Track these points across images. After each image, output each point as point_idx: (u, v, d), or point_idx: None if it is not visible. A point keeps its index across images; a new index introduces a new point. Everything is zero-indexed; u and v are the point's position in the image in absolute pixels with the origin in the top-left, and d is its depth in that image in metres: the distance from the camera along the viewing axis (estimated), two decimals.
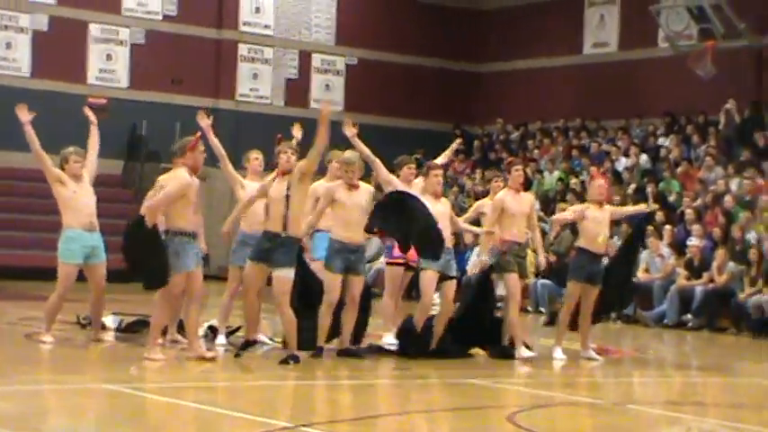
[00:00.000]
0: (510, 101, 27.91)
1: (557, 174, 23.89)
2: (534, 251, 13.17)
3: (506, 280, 12.31)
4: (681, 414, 9.67)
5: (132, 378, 10.10)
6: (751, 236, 18.54)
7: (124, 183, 24.87)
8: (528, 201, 12.63)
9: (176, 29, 25.79)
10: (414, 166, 12.50)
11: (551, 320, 15.82)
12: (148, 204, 10.88)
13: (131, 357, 11.03)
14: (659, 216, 18.93)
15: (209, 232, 12.49)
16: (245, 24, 26.61)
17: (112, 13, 25.24)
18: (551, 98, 27.05)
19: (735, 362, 14.79)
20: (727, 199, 19.77)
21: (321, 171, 12.29)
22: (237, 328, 12.51)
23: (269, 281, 11.12)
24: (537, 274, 19.02)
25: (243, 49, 26.58)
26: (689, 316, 18.07)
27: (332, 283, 11.32)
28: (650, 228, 18.86)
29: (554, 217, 15.47)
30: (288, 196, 10.86)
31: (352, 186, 11.41)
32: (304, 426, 7.96)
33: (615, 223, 16.71)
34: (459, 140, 14.85)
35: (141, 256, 10.59)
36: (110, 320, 12.94)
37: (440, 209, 11.78)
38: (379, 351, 11.99)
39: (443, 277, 11.78)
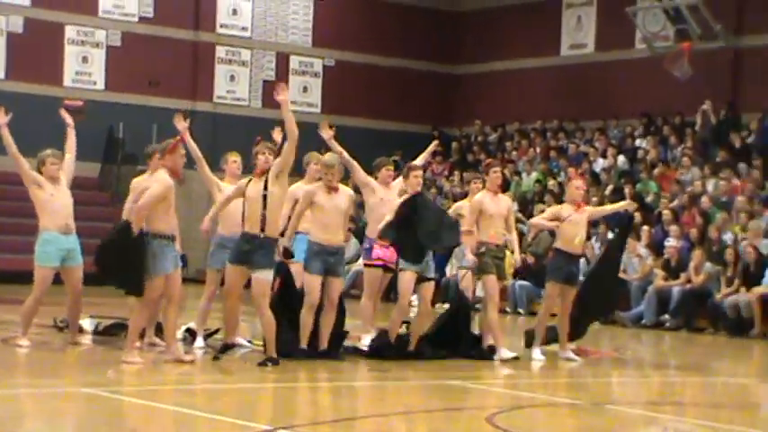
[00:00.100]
0: (488, 102, 27.94)
1: (534, 175, 23.93)
2: (512, 252, 13.20)
3: (485, 281, 12.33)
4: (660, 414, 9.69)
5: (110, 381, 10.06)
6: (728, 236, 18.64)
7: (101, 185, 24.76)
8: (506, 202, 12.66)
9: (153, 31, 25.68)
10: (392, 167, 12.53)
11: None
12: (137, 207, 10.74)
13: (109, 360, 10.98)
14: (637, 217, 18.99)
15: (186, 235, 12.44)
16: (222, 26, 26.54)
17: (88, 15, 25.13)
18: (529, 99, 27.10)
19: (712, 361, 14.86)
20: (704, 200, 19.86)
21: (300, 173, 12.28)
22: (216, 331, 12.47)
23: (247, 283, 11.09)
24: (515, 275, 19.04)
25: (220, 51, 26.52)
26: (666, 316, 18.14)
27: (311, 284, 11.31)
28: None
29: (532, 221, 15.48)
30: (265, 196, 10.83)
31: (332, 189, 11.39)
32: (283, 428, 7.95)
33: (592, 224, 16.74)
34: (436, 142, 14.84)
35: (121, 262, 10.52)
36: (87, 323, 12.88)
37: None
38: (356, 352, 11.96)
39: (421, 279, 11.78)
